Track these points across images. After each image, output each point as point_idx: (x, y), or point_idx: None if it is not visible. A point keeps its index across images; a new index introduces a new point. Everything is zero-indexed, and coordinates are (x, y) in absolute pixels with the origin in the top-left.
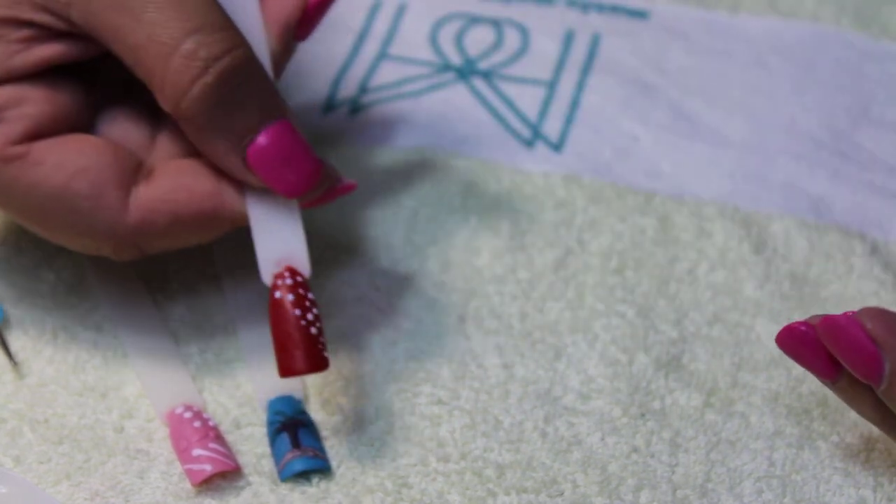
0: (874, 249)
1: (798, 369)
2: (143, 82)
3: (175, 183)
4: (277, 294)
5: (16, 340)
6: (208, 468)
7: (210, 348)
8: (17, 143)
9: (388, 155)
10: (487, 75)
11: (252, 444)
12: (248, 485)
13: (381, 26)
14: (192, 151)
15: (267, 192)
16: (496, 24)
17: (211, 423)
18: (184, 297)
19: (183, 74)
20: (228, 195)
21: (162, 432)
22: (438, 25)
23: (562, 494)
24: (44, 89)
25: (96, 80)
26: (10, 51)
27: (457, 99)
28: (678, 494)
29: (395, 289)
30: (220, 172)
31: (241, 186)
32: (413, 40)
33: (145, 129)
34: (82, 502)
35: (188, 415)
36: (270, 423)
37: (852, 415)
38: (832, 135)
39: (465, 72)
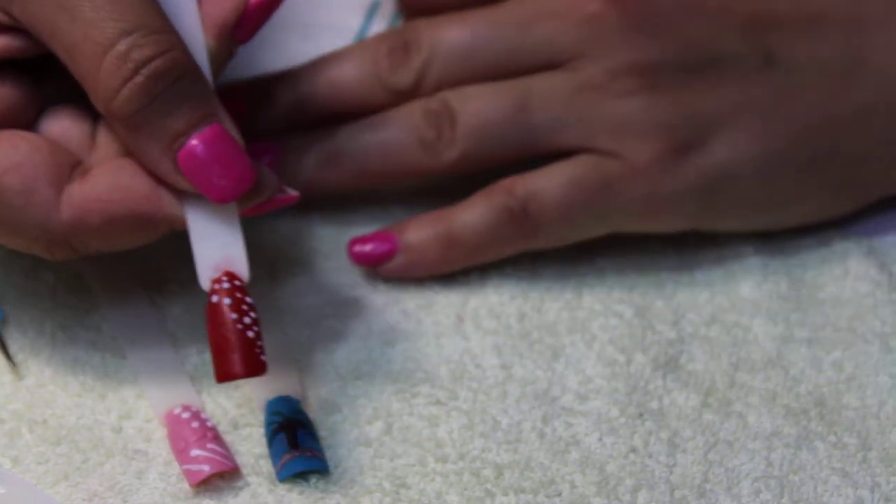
0: (870, 251)
1: (796, 369)
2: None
3: (111, 182)
4: (214, 298)
5: (14, 341)
6: (206, 469)
7: (208, 348)
8: None
9: None
10: None
11: (250, 444)
12: (247, 485)
13: (379, 27)
14: (131, 153)
15: (192, 192)
16: None
17: (209, 424)
18: (182, 297)
19: (114, 75)
20: (166, 198)
21: (160, 433)
22: None
23: (560, 495)
24: None
25: (43, 77)
26: None
27: None
28: (676, 495)
29: (394, 289)
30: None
31: (179, 189)
32: None
33: (86, 128)
34: (80, 503)
35: (186, 415)
36: (268, 424)
37: (850, 415)
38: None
39: None
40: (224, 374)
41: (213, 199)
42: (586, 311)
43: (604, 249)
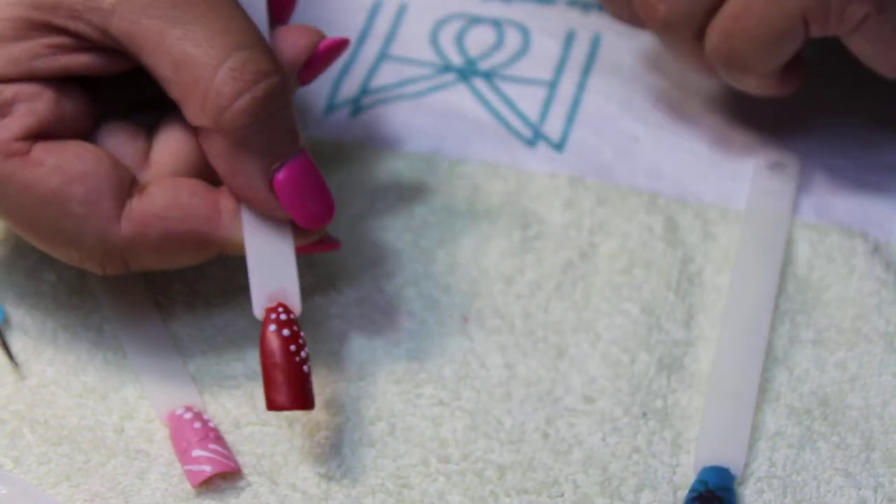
0: (876, 249)
1: (800, 369)
2: (173, 97)
3: (171, 200)
4: (272, 328)
5: (16, 341)
6: (208, 469)
7: (211, 349)
8: (21, 139)
9: (390, 156)
10: (488, 75)
11: (252, 444)
12: (249, 485)
13: (381, 27)
14: (186, 175)
15: (264, 225)
16: (497, 24)
17: (211, 425)
18: (184, 298)
19: (229, 86)
20: (226, 220)
21: (162, 433)
22: (439, 26)
23: (563, 495)
24: (54, 92)
25: (100, 95)
26: (37, 53)
27: (458, 100)
28: (679, 495)
29: (398, 290)
30: (216, 196)
31: (237, 215)
32: (414, 41)
33: (141, 145)
34: (82, 503)
35: (188, 416)
36: (690, 490)
37: (853, 415)
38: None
39: (466, 72)
40: (276, 405)
41: (302, 223)
42: (592, 310)
43: (614, 251)
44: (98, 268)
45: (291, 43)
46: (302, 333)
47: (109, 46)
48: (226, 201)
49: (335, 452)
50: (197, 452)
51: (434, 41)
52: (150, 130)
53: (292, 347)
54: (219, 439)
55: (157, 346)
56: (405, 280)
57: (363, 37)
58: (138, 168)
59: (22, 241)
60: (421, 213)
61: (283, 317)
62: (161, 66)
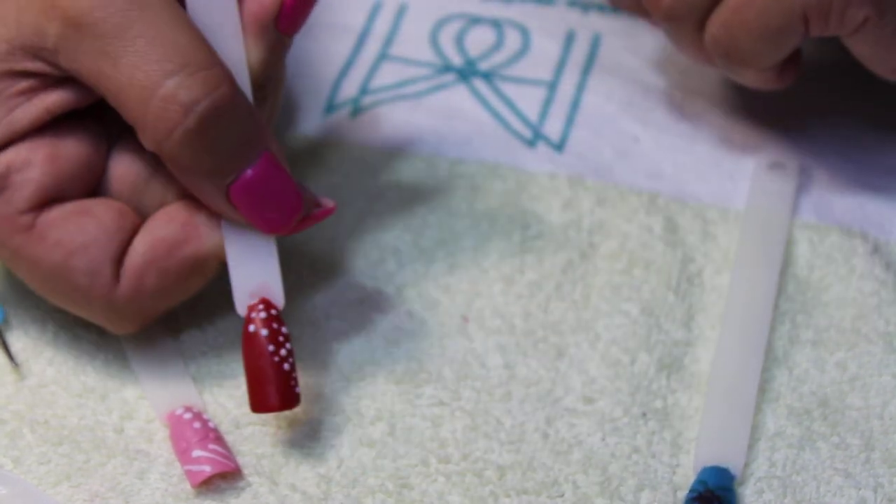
0: (876, 249)
1: (799, 369)
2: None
3: (150, 240)
4: (251, 328)
5: (16, 341)
6: (208, 469)
7: (211, 349)
8: (25, 211)
9: (390, 157)
10: (488, 76)
11: (252, 444)
12: (249, 485)
13: (381, 27)
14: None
15: (243, 223)
16: (497, 24)
17: (211, 425)
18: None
19: (162, 119)
20: (204, 233)
21: (162, 433)
22: (439, 26)
23: (562, 496)
24: (48, 146)
25: (104, 119)
26: (11, 105)
27: (457, 100)
28: (679, 495)
29: (398, 290)
30: (191, 214)
31: (217, 221)
32: (414, 41)
33: (144, 165)
34: (82, 503)
35: (188, 416)
36: (691, 490)
37: (853, 415)
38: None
39: (466, 73)
40: (259, 406)
41: (265, 231)
42: (592, 310)
43: (614, 251)
44: (114, 327)
45: (256, 2)
46: (284, 329)
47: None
48: (200, 214)
49: (335, 452)
50: (197, 453)
51: (434, 41)
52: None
53: (271, 347)
54: (219, 439)
55: (157, 347)
56: (405, 280)
57: (363, 37)
58: (142, 189)
59: None
60: (421, 213)
61: (262, 314)
62: (108, 98)
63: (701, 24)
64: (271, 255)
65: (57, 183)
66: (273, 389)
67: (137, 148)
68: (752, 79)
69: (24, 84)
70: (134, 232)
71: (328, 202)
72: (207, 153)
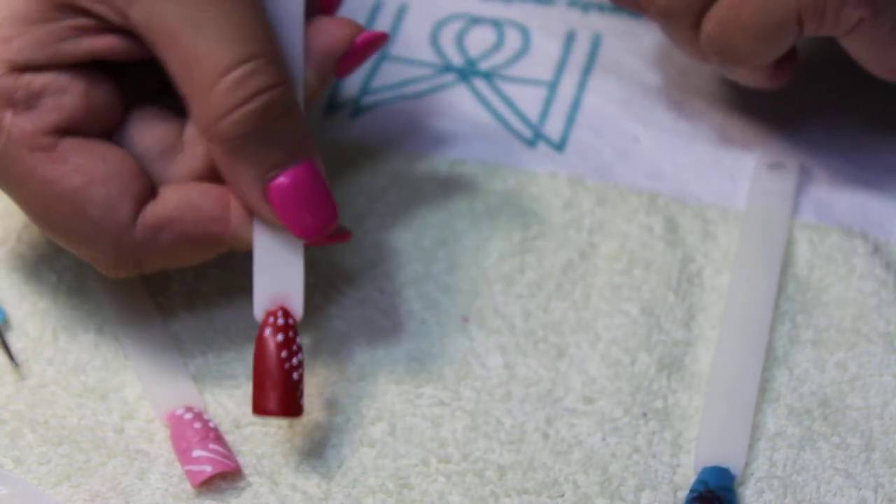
0: (876, 249)
1: (800, 369)
2: (180, 94)
3: (183, 202)
4: (267, 332)
5: (16, 342)
6: (208, 469)
7: (211, 349)
8: (47, 133)
9: (390, 156)
10: (488, 76)
11: (252, 444)
12: (249, 485)
13: (382, 27)
14: (207, 170)
15: (275, 228)
16: (497, 24)
17: (211, 425)
18: (184, 298)
19: (227, 97)
20: (236, 220)
21: (162, 433)
22: (439, 26)
23: (563, 495)
24: (83, 82)
25: (129, 79)
26: (61, 36)
27: (458, 100)
28: (679, 495)
29: (399, 291)
30: (227, 194)
31: (250, 214)
32: (414, 41)
33: (174, 130)
34: (82, 503)
35: (188, 416)
36: (690, 490)
37: (854, 415)
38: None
39: (467, 73)
40: (261, 409)
41: (296, 233)
42: (592, 310)
43: (614, 251)
44: (110, 270)
45: (329, 35)
46: (298, 340)
47: (131, 31)
48: (235, 202)
49: (335, 452)
50: (197, 453)
51: (434, 41)
52: (180, 113)
53: (283, 353)
54: (219, 439)
55: (157, 347)
56: (405, 280)
57: None
58: (170, 151)
59: (22, 241)
60: (421, 213)
61: (280, 321)
62: (171, 63)
63: (696, 22)
64: (297, 264)
65: (84, 119)
66: (277, 394)
67: (153, 121)
68: (746, 77)
69: (79, 21)
70: (151, 189)
71: (346, 229)
72: (257, 142)
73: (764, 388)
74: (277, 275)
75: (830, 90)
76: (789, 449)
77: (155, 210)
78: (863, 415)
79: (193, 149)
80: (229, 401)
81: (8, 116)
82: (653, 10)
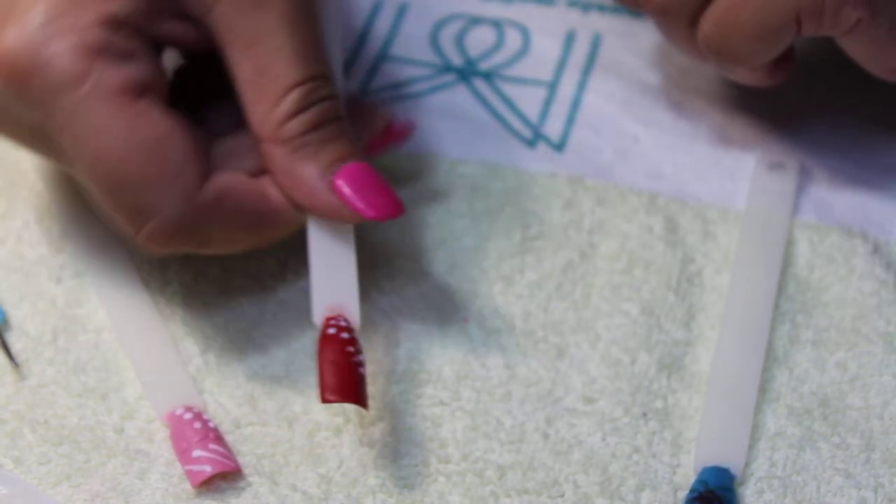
0: (876, 249)
1: (800, 369)
2: (242, 98)
3: (243, 179)
4: (330, 330)
5: (16, 342)
6: (208, 469)
7: (211, 349)
8: (132, 90)
9: (390, 157)
10: (488, 76)
11: (252, 444)
12: (249, 485)
13: (381, 27)
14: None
15: (330, 239)
16: (497, 24)
17: (211, 425)
18: (184, 299)
19: (294, 105)
20: (287, 210)
21: (162, 433)
22: (439, 26)
23: (563, 496)
24: (158, 59)
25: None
26: (158, 8)
27: (458, 100)
28: (679, 495)
29: (399, 290)
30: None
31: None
32: (414, 41)
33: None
34: (82, 503)
35: (188, 416)
36: (690, 490)
37: (854, 415)
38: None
39: (466, 73)
40: (333, 392)
41: (371, 215)
42: (592, 310)
43: (613, 251)
44: (165, 236)
45: (365, 120)
46: (360, 346)
47: (202, 24)
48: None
49: (335, 452)
50: (197, 453)
51: (434, 41)
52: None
53: (349, 348)
54: (219, 439)
55: (157, 347)
56: (405, 280)
57: (363, 37)
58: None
59: (22, 241)
60: (420, 213)
61: (342, 322)
62: (243, 67)
63: (693, 20)
64: (353, 277)
65: (160, 91)
66: (349, 380)
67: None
68: (744, 76)
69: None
70: (215, 162)
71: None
72: (320, 139)
73: (764, 388)
74: (334, 286)
75: (830, 90)
76: (789, 449)
77: (220, 178)
78: (863, 415)
79: (241, 158)
80: (229, 401)
81: (97, 66)
82: (649, 7)
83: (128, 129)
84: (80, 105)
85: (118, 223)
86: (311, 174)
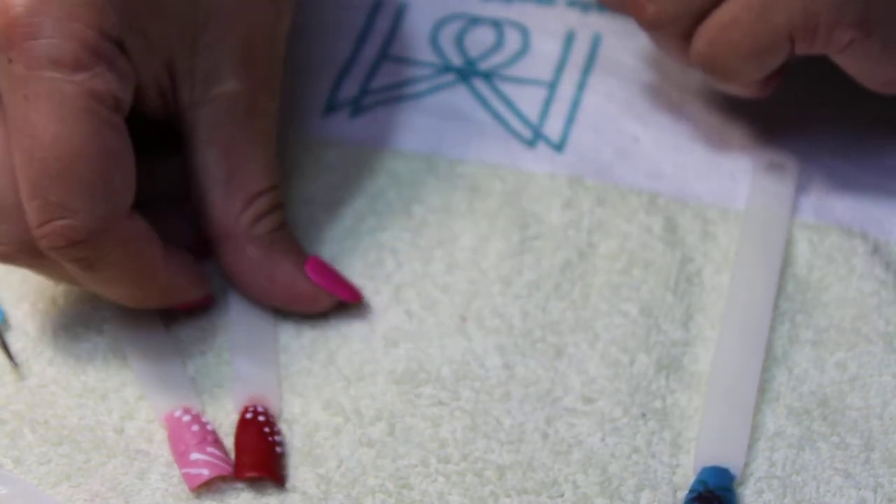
0: (876, 249)
1: (799, 369)
2: (202, 191)
3: (164, 245)
4: (248, 415)
5: (16, 342)
6: (206, 472)
7: (210, 350)
8: (109, 101)
9: (390, 156)
10: (488, 76)
11: None
12: (249, 486)
13: (381, 27)
14: None
15: (252, 331)
16: (497, 24)
17: (209, 427)
18: None
19: (264, 207)
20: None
21: (162, 433)
22: (439, 26)
23: (562, 496)
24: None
25: None
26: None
27: (458, 100)
28: (679, 495)
29: (397, 290)
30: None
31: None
32: (414, 41)
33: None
34: (82, 503)
35: (186, 418)
36: (690, 490)
37: (853, 415)
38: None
39: (466, 73)
40: (242, 470)
41: (346, 296)
42: (591, 310)
43: (613, 252)
44: (61, 238)
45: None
46: (277, 427)
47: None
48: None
49: (335, 452)
50: (195, 456)
51: (434, 41)
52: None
53: (266, 429)
54: (217, 442)
55: (156, 347)
56: (404, 280)
57: (363, 37)
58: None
59: None
60: (420, 212)
61: (260, 408)
62: (219, 167)
63: (686, 35)
64: (274, 363)
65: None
66: (266, 458)
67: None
68: (735, 89)
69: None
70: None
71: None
72: (287, 236)
73: (763, 388)
74: (255, 375)
75: (831, 90)
76: (789, 449)
77: (142, 222)
78: (862, 415)
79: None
80: (229, 403)
81: (98, 65)
82: (642, 21)
83: (95, 130)
84: (66, 88)
85: (11, 210)
86: (289, 267)
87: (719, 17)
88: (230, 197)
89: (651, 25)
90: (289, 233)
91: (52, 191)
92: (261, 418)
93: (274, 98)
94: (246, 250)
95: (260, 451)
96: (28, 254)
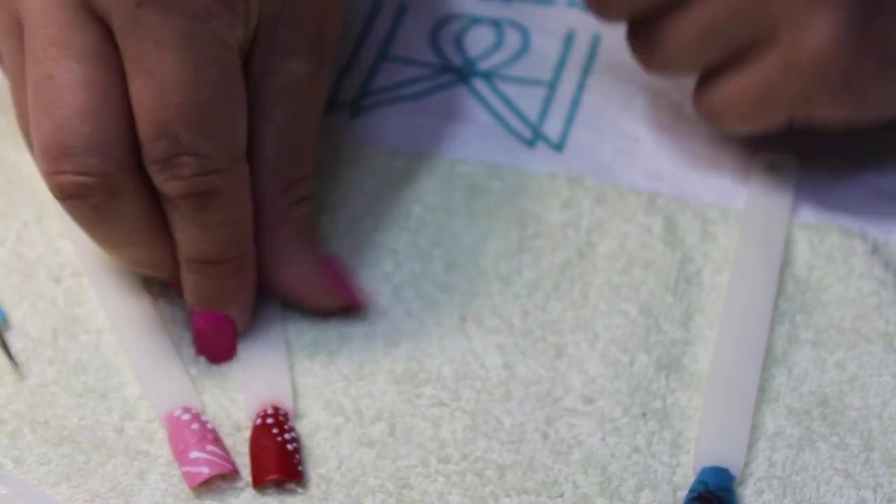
0: (875, 249)
1: (799, 369)
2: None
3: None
4: (258, 421)
5: (16, 342)
6: (206, 471)
7: None
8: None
9: (390, 157)
10: (488, 76)
11: None
12: (249, 485)
13: (381, 27)
14: None
15: (259, 337)
16: (497, 24)
17: (209, 426)
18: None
19: (305, 191)
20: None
21: (162, 433)
22: (439, 26)
23: (562, 496)
24: None
25: None
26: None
27: (458, 100)
28: (679, 495)
29: (397, 290)
30: None
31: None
32: (414, 41)
33: None
34: (82, 503)
35: (186, 417)
36: (690, 490)
37: (853, 415)
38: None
39: (466, 73)
40: (261, 477)
41: (351, 302)
42: (591, 310)
43: (612, 251)
44: (72, 189)
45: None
46: (289, 425)
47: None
48: None
49: (335, 452)
50: (195, 454)
51: (434, 41)
52: None
53: (275, 430)
54: (217, 440)
55: (156, 347)
56: (403, 280)
57: (363, 37)
58: None
59: (22, 241)
60: (419, 212)
61: (270, 411)
62: (266, 135)
63: (693, 73)
64: (284, 367)
65: None
66: (280, 459)
67: None
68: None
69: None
70: None
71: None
72: (308, 227)
73: (763, 388)
74: (265, 380)
75: None
76: (788, 449)
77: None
78: (862, 415)
79: None
80: (230, 403)
81: (217, 21)
82: (649, 69)
83: (227, 77)
84: (200, 35)
85: (106, 144)
86: (311, 259)
87: (724, 87)
88: (274, 175)
89: (657, 74)
90: (315, 226)
91: (182, 133)
92: (269, 420)
93: (328, 86)
94: (276, 231)
95: (273, 453)
96: (107, 190)
